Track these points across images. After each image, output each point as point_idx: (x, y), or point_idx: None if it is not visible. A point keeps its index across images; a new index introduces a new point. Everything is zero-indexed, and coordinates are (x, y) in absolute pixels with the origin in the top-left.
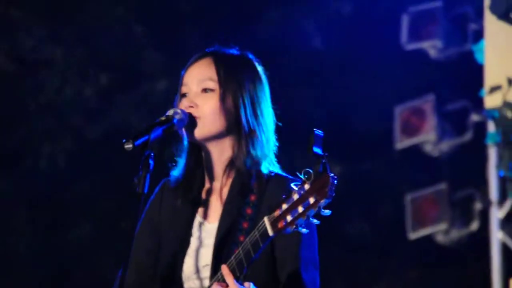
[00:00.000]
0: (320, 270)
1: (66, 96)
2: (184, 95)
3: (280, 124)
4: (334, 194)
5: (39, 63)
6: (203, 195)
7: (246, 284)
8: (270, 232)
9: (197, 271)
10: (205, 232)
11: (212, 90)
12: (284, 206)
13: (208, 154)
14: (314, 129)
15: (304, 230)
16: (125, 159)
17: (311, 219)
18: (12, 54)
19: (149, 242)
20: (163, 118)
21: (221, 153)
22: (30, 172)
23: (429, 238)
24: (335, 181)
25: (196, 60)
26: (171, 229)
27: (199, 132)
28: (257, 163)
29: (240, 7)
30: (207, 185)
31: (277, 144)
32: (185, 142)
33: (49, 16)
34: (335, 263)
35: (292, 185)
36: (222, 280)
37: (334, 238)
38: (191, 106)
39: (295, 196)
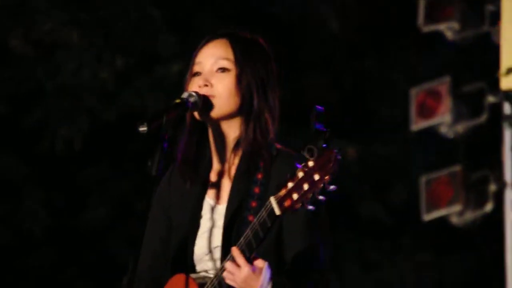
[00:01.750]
0: (334, 252)
1: (83, 78)
2: (196, 74)
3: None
4: (338, 169)
5: (56, 46)
6: (212, 177)
7: (259, 263)
8: (277, 211)
9: (209, 252)
10: (215, 213)
11: (228, 70)
12: (290, 185)
13: (216, 134)
14: (315, 105)
15: (311, 208)
16: (140, 141)
17: (317, 196)
18: (29, 36)
19: (161, 228)
20: (177, 101)
21: (229, 133)
22: (46, 154)
23: (443, 220)
24: (339, 156)
25: (210, 40)
26: (181, 212)
27: (215, 112)
28: (263, 143)
29: None
30: (215, 166)
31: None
32: (191, 122)
33: (66, 0)
34: (349, 245)
35: (296, 163)
36: (233, 261)
37: (348, 220)
38: (206, 85)
39: (300, 174)
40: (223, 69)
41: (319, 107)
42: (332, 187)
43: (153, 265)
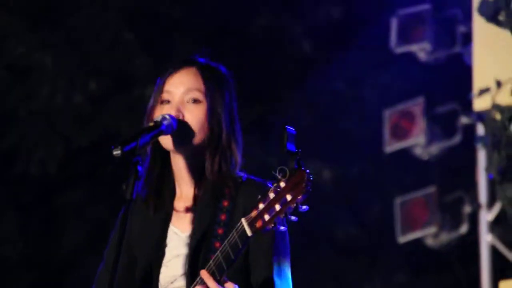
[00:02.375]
0: (310, 273)
1: (57, 102)
2: (165, 102)
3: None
4: (310, 190)
5: (29, 70)
6: (176, 205)
7: (229, 285)
8: (249, 232)
9: (174, 280)
10: (180, 241)
11: (199, 101)
12: (261, 206)
13: (180, 162)
14: (286, 126)
15: (282, 228)
16: (115, 165)
17: (289, 216)
18: (2, 61)
19: (124, 257)
20: (151, 124)
21: (194, 162)
22: (20, 178)
23: (418, 242)
24: (311, 177)
25: (179, 68)
26: (145, 241)
27: (186, 142)
28: (228, 173)
29: (230, 13)
30: (178, 194)
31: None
32: (154, 149)
33: (38, 22)
34: (325, 266)
35: (268, 184)
36: (202, 283)
37: (323, 241)
38: (178, 116)
39: (271, 195)
40: (195, 100)
41: (290, 128)
42: (304, 207)
43: None
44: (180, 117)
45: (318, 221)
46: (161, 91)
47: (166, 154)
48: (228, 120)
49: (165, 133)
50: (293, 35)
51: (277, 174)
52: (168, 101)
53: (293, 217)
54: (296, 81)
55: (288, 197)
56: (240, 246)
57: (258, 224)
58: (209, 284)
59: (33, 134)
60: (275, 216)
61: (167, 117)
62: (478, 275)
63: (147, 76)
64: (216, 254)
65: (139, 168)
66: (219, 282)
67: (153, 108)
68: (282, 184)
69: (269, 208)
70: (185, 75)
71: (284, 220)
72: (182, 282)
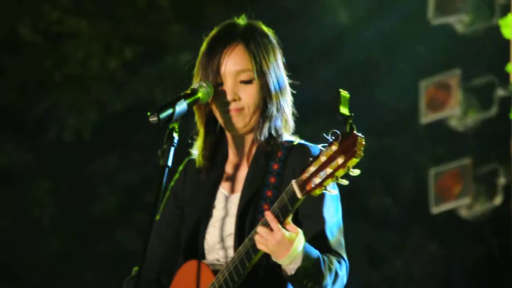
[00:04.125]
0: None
1: (91, 68)
2: (218, 84)
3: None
4: (363, 154)
5: (64, 35)
6: (227, 168)
7: (293, 228)
8: (299, 195)
9: (221, 240)
10: (229, 203)
11: (251, 81)
12: (312, 169)
13: (235, 134)
14: (340, 89)
15: (333, 191)
16: (150, 131)
17: (340, 180)
18: (37, 26)
19: (174, 218)
20: (188, 91)
21: (249, 131)
22: (54, 143)
23: (452, 213)
24: (363, 141)
25: (227, 45)
26: (194, 202)
27: (244, 125)
28: (279, 136)
29: None
30: (231, 158)
31: (297, 116)
32: (207, 115)
33: None
34: (358, 237)
35: (319, 146)
36: (266, 225)
37: (357, 212)
38: (234, 99)
39: (323, 158)
40: (248, 81)
41: (344, 92)
42: (356, 171)
43: (165, 254)
44: (237, 101)
45: (351, 191)
46: (212, 70)
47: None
48: (278, 88)
49: (202, 100)
50: (330, 4)
51: (329, 137)
52: (221, 83)
53: (344, 181)
54: (332, 50)
55: (340, 160)
56: (290, 208)
57: (309, 186)
58: (273, 226)
59: (67, 99)
60: (326, 179)
61: (204, 84)
62: (511, 246)
63: (180, 44)
64: (280, 198)
65: (175, 135)
66: (282, 224)
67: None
68: (334, 148)
69: (320, 171)
70: (234, 55)
71: (335, 183)
72: (230, 242)
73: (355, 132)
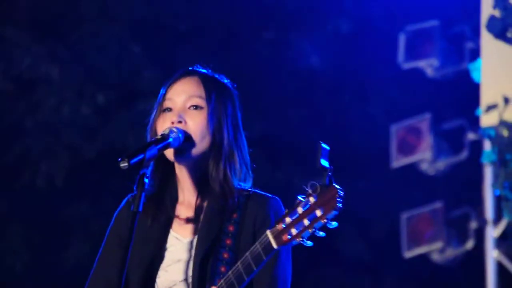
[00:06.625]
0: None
1: (63, 114)
2: (167, 110)
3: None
4: (342, 207)
5: (36, 82)
6: (178, 211)
7: None
8: (275, 245)
9: (173, 286)
10: (180, 246)
11: (201, 107)
12: (288, 220)
13: (183, 171)
14: (320, 142)
15: (309, 243)
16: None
17: (317, 231)
18: (9, 72)
19: (118, 258)
20: (158, 137)
21: (198, 170)
22: (27, 190)
23: (424, 257)
24: (342, 193)
25: (181, 77)
26: (144, 244)
27: (189, 153)
28: (234, 182)
29: (236, 27)
30: (180, 199)
31: (254, 166)
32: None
33: (45, 35)
34: (331, 282)
35: (298, 197)
36: None
37: (329, 257)
38: (180, 122)
39: (300, 210)
40: (196, 107)
41: (324, 145)
42: (334, 223)
43: None
44: (182, 124)
45: (324, 237)
46: (163, 99)
47: (168, 160)
48: (231, 129)
49: (172, 145)
50: (301, 49)
51: (307, 189)
52: (170, 109)
53: (321, 233)
54: (303, 96)
55: (318, 213)
56: (264, 258)
57: (285, 237)
58: None
59: (40, 146)
60: (303, 230)
61: (175, 129)
62: None
63: (152, 89)
64: (236, 265)
65: (146, 180)
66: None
67: (155, 117)
68: (312, 199)
69: (297, 222)
70: (186, 83)
71: (312, 235)
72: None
73: (334, 184)
